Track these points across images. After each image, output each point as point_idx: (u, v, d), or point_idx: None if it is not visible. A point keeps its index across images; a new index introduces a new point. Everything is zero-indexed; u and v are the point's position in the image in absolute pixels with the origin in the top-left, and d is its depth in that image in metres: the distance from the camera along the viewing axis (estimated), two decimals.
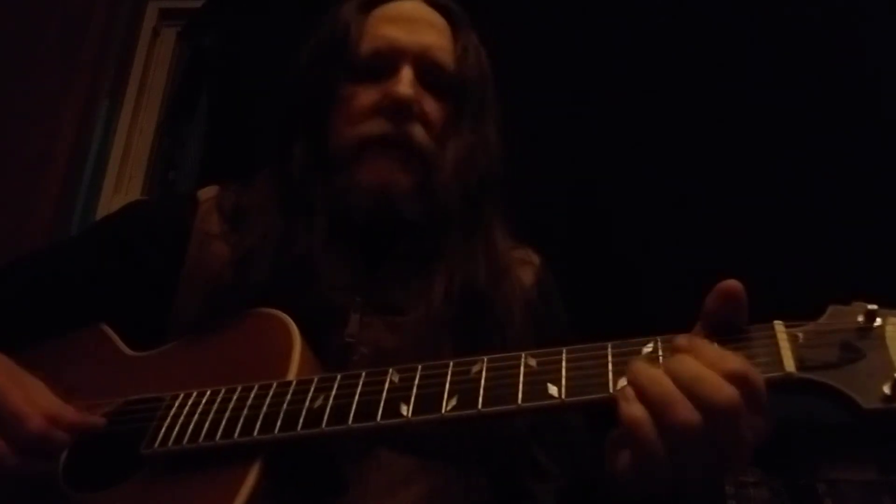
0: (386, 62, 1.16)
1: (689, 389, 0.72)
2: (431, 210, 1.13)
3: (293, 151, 1.17)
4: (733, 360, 0.73)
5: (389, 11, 1.21)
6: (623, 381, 0.77)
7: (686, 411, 0.71)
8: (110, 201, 2.43)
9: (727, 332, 0.79)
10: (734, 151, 2.05)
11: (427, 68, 1.17)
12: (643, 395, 0.73)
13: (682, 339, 0.77)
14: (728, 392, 0.71)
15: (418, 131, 1.13)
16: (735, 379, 0.72)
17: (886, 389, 0.70)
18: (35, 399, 0.93)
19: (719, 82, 2.10)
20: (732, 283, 0.79)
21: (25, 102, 2.39)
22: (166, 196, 2.35)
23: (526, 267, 1.25)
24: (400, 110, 1.12)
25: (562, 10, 2.23)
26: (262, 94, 2.28)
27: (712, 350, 0.76)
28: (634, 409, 0.73)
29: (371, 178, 1.12)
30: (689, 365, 0.74)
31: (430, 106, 1.16)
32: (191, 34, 2.63)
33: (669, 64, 2.14)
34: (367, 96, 1.15)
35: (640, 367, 0.75)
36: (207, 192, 1.25)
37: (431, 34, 1.20)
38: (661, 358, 0.79)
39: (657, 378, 0.73)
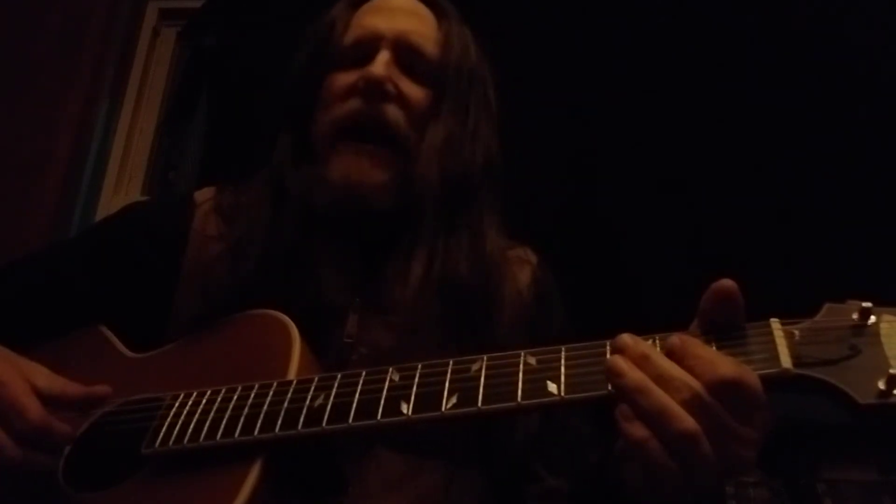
0: (365, 48, 1.17)
1: (682, 396, 0.72)
2: (409, 199, 1.13)
3: (279, 146, 1.18)
4: (725, 365, 0.73)
5: (374, 4, 1.23)
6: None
7: (686, 421, 0.71)
8: (110, 201, 2.43)
9: (724, 331, 0.80)
10: (732, 151, 2.06)
11: (405, 52, 1.17)
12: (638, 410, 0.73)
13: (675, 339, 0.77)
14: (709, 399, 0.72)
15: (393, 111, 1.13)
16: (729, 384, 0.72)
17: (881, 385, 0.71)
18: (37, 384, 0.94)
19: (719, 82, 2.10)
20: (727, 283, 0.79)
21: (25, 102, 2.39)
22: (164, 198, 2.34)
23: (523, 265, 1.25)
24: (372, 88, 1.12)
25: (562, 9, 2.23)
26: (262, 94, 2.29)
27: (705, 350, 0.76)
28: (636, 430, 0.73)
29: (339, 173, 1.12)
30: (670, 370, 0.74)
31: (410, 89, 1.16)
32: (191, 34, 2.63)
33: (669, 63, 2.14)
34: (344, 79, 1.16)
35: (626, 378, 0.75)
36: (204, 194, 1.25)
37: (412, 21, 1.21)
38: None
39: (646, 389, 0.73)
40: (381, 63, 1.14)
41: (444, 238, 1.12)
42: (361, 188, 1.11)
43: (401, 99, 1.14)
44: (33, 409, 0.91)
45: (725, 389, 0.72)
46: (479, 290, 1.10)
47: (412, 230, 1.12)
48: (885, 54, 2.03)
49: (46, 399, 0.94)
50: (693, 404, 0.72)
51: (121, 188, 2.50)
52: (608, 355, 0.80)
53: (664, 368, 0.74)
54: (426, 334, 1.06)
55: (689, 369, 0.74)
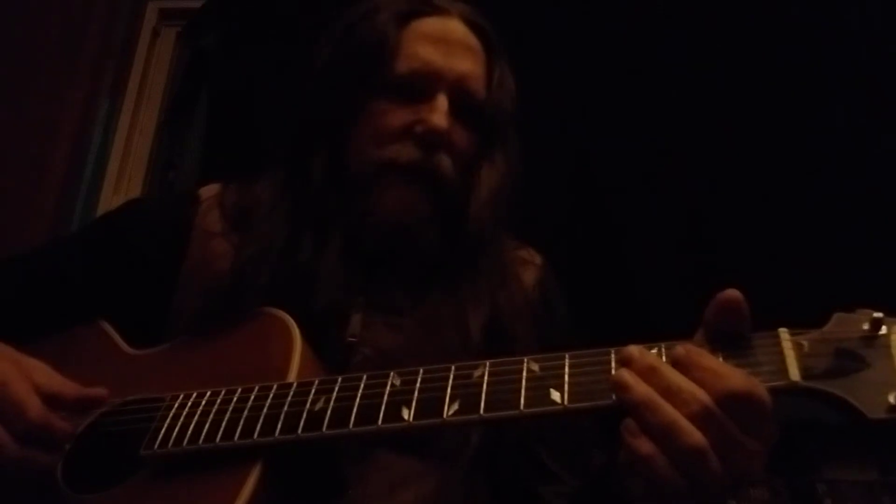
0: (421, 85, 1.13)
1: (691, 410, 0.72)
2: (451, 239, 1.12)
3: (311, 163, 1.15)
4: (734, 378, 0.73)
5: (427, 28, 1.17)
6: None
7: (694, 436, 0.71)
8: (110, 201, 2.42)
9: (730, 341, 0.79)
10: (739, 156, 2.05)
11: (461, 98, 1.14)
12: (644, 424, 0.72)
13: (681, 349, 0.76)
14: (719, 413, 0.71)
15: (445, 162, 1.12)
16: (738, 397, 0.72)
17: (892, 399, 0.70)
18: (37, 382, 0.94)
19: (723, 85, 2.09)
20: (732, 293, 0.78)
21: (25, 102, 2.38)
22: (166, 193, 2.35)
23: (528, 267, 1.25)
24: (432, 140, 1.10)
25: (558, 7, 2.23)
26: (262, 94, 2.29)
27: (712, 362, 0.75)
28: (642, 445, 0.72)
29: (390, 208, 1.10)
30: (678, 383, 0.73)
31: (459, 135, 1.14)
32: (191, 34, 2.63)
33: (671, 63, 2.13)
34: (397, 117, 1.12)
35: (632, 392, 0.74)
36: (209, 190, 1.24)
37: (468, 60, 1.16)
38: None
39: (654, 403, 0.73)
40: (443, 113, 1.11)
41: (488, 275, 1.13)
42: (410, 223, 1.10)
43: (451, 146, 1.13)
44: (34, 407, 0.91)
45: (734, 403, 0.72)
46: (512, 319, 1.10)
47: (461, 272, 1.12)
48: (888, 53, 2.03)
49: (44, 397, 0.94)
50: (701, 418, 0.71)
51: (121, 188, 2.49)
52: (613, 364, 0.79)
53: (672, 381, 0.74)
54: (439, 339, 1.06)
55: (697, 381, 0.73)
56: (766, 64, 2.09)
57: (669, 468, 0.71)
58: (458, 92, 1.14)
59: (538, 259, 1.28)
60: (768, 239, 1.97)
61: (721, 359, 0.77)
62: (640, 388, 0.74)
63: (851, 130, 2.01)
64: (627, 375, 0.75)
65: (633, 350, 0.77)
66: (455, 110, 1.13)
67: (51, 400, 0.94)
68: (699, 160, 2.06)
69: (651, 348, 0.79)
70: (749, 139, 2.05)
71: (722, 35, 2.13)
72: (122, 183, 2.49)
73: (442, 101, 1.12)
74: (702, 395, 0.72)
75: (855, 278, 1.80)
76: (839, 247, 1.91)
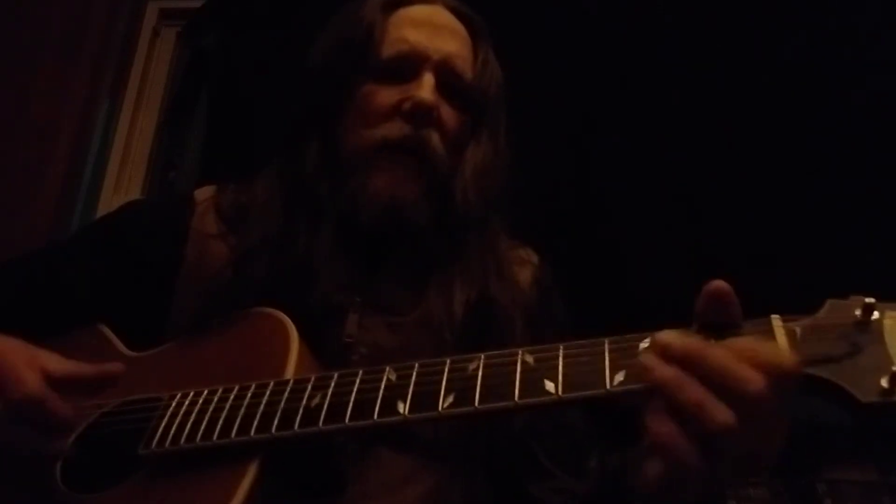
0: (408, 65, 1.15)
1: (720, 386, 0.70)
2: (442, 218, 1.13)
3: (304, 154, 1.16)
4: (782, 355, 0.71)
5: (413, 14, 1.20)
6: (620, 377, 0.76)
7: (723, 414, 0.69)
8: (110, 201, 2.43)
9: (723, 330, 0.78)
10: (733, 147, 2.05)
11: (448, 77, 1.16)
12: (673, 404, 0.70)
13: (674, 339, 0.74)
14: (758, 381, 0.69)
15: (435, 138, 1.13)
16: (769, 368, 0.70)
17: (884, 383, 0.69)
18: (47, 367, 0.93)
19: (718, 77, 2.09)
20: (719, 284, 0.77)
21: (25, 103, 2.39)
22: (163, 196, 2.35)
23: (524, 266, 1.25)
24: (421, 115, 1.12)
25: (558, 7, 2.23)
26: (262, 94, 2.29)
27: (709, 350, 0.74)
28: (663, 426, 0.70)
29: (381, 186, 1.11)
30: (713, 361, 0.71)
31: (448, 114, 1.16)
32: (191, 34, 2.63)
33: (667, 59, 2.13)
34: (386, 97, 1.14)
35: (661, 373, 0.72)
36: (204, 193, 1.25)
37: (454, 43, 1.19)
38: None
39: (683, 384, 0.70)
40: (430, 89, 1.13)
41: (477, 256, 1.14)
42: (401, 202, 1.11)
43: (440, 124, 1.14)
44: (32, 381, 0.90)
45: (764, 371, 0.69)
46: (499, 305, 1.11)
47: (443, 247, 1.13)
48: (886, 51, 2.03)
49: (61, 381, 0.93)
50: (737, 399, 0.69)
51: (121, 188, 2.49)
52: (606, 354, 0.79)
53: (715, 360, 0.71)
54: (436, 338, 1.06)
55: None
56: (766, 64, 2.09)
57: (692, 449, 0.69)
58: (445, 72, 1.16)
59: (535, 258, 1.28)
60: (767, 238, 1.97)
61: None
62: (665, 370, 0.71)
63: (851, 130, 2.01)
64: (651, 358, 0.73)
65: (666, 336, 0.75)
66: (442, 90, 1.15)
67: (68, 382, 0.94)
68: (699, 159, 2.06)
69: (644, 337, 0.79)
70: (749, 138, 2.05)
71: (722, 35, 2.13)
72: (122, 183, 2.50)
73: (428, 78, 1.14)
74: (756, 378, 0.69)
75: (848, 264, 1.80)
76: (833, 233, 1.90)
